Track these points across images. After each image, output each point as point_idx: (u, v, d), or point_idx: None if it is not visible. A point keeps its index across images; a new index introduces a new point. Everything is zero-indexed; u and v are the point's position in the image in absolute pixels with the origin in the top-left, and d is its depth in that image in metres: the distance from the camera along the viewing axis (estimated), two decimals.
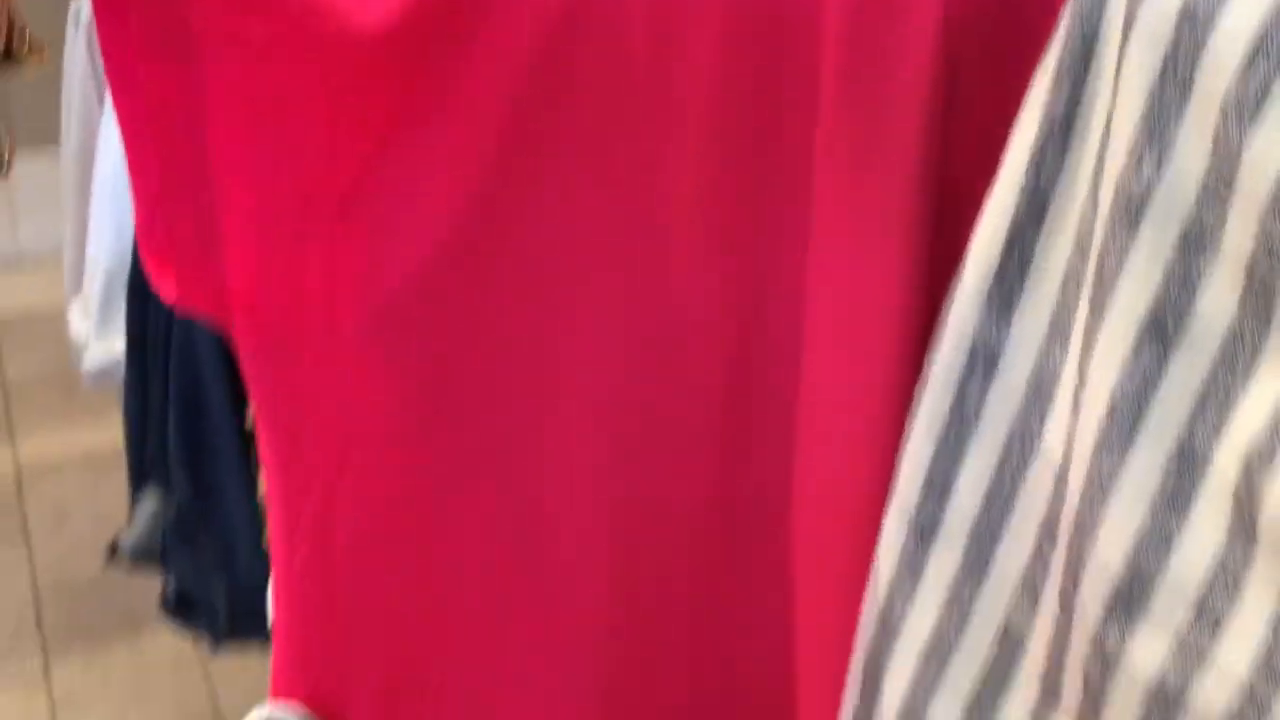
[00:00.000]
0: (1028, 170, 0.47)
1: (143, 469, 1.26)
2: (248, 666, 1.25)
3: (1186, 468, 0.43)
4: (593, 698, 0.67)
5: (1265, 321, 0.40)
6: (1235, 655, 0.42)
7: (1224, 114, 0.40)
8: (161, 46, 0.61)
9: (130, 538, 1.23)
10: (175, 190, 0.63)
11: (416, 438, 0.64)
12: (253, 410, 0.69)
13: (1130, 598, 0.45)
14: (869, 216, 0.56)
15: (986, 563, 0.53)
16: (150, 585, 1.23)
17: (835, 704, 0.59)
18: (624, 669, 0.66)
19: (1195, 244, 0.42)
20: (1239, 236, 0.40)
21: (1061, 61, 0.45)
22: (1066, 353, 0.48)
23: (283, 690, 0.69)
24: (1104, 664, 0.46)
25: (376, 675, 0.69)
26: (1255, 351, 0.41)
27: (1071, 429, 0.47)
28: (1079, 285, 0.47)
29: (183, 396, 1.11)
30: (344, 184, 0.61)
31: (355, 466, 0.65)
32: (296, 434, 0.65)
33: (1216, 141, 0.40)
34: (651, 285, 0.60)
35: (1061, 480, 0.49)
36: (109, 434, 1.45)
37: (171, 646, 1.45)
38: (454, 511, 0.65)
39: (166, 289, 0.65)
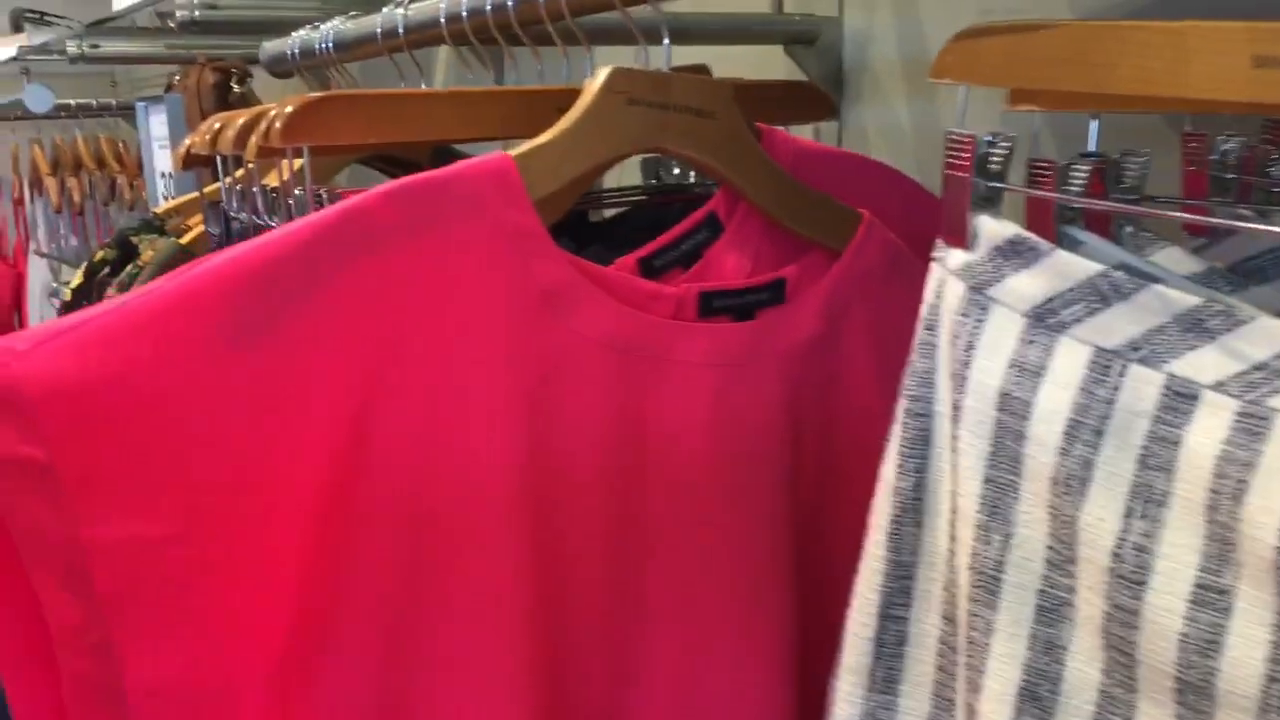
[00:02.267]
0: (888, 547, 0.49)
1: None
2: None
3: None
4: None
5: (1130, 684, 0.41)
6: None
7: (1054, 487, 0.42)
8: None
9: None
10: None
11: None
12: None
13: None
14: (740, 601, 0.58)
15: None
16: None
17: None
18: None
19: (1053, 612, 0.43)
20: (1090, 602, 0.42)
21: (903, 444, 0.48)
22: None
23: None
24: None
25: None
26: (1130, 711, 0.42)
27: None
28: (954, 652, 0.48)
29: None
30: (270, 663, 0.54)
31: None
32: None
33: (1053, 513, 0.43)
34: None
35: None
36: None
37: None
38: None
39: None
